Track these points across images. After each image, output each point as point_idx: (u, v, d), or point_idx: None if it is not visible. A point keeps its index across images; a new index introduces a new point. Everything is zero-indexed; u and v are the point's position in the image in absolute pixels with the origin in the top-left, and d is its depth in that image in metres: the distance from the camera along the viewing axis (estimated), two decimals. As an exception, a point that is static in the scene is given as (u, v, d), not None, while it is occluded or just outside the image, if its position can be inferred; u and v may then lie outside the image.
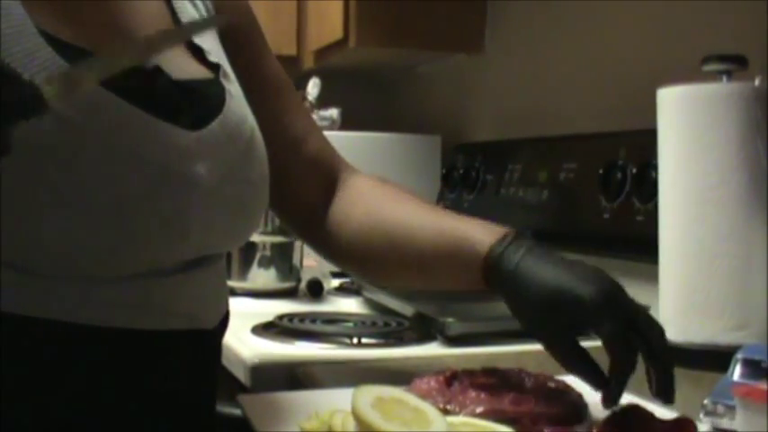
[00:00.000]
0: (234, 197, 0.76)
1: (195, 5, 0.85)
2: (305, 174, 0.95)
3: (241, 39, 0.92)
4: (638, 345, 0.76)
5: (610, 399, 0.74)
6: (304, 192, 0.94)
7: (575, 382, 0.81)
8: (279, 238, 1.52)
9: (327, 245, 0.95)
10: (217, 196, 0.73)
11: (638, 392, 0.83)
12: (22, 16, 0.65)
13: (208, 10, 0.87)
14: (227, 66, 0.83)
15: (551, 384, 0.80)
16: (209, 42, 0.83)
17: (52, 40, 0.66)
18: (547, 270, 0.79)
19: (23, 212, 0.62)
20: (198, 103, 0.75)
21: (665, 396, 0.74)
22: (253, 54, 0.89)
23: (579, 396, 0.79)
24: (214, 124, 0.74)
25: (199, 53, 0.81)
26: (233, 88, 0.81)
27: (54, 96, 0.53)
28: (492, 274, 0.81)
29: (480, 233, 0.83)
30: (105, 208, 0.64)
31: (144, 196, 0.67)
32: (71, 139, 0.63)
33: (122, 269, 0.68)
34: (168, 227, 0.69)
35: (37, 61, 0.64)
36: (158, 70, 0.73)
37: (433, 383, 0.80)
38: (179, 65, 0.77)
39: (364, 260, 0.93)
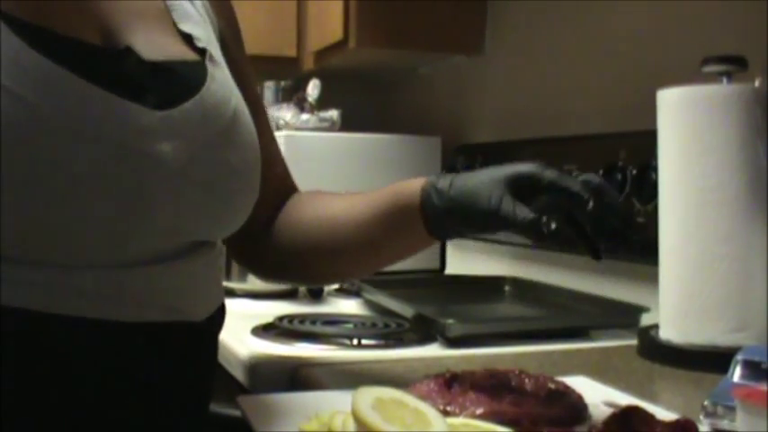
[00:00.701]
0: (207, 179, 0.74)
1: (194, 5, 0.85)
2: (268, 196, 0.92)
3: (226, 52, 0.91)
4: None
5: (594, 250, 0.81)
6: (261, 212, 0.90)
7: (574, 382, 0.81)
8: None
9: (267, 257, 0.97)
10: (185, 177, 0.71)
11: (639, 394, 0.83)
12: None
13: (206, 10, 0.87)
14: (216, 52, 0.83)
15: (551, 386, 0.80)
16: (205, 33, 0.83)
17: (8, 19, 0.65)
18: (479, 172, 0.86)
19: None
20: (173, 82, 0.74)
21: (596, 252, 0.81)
22: (235, 68, 0.88)
23: (579, 397, 0.79)
24: (188, 104, 0.73)
25: (188, 39, 0.80)
26: (218, 72, 0.80)
27: None
28: (431, 206, 0.84)
29: (409, 183, 0.88)
30: (61, 187, 0.63)
31: (100, 175, 0.65)
32: (26, 118, 0.62)
33: (88, 254, 0.67)
34: (127, 206, 0.67)
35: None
36: (128, 50, 0.73)
37: (432, 385, 0.80)
38: (162, 46, 0.76)
39: (315, 259, 0.94)
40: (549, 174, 0.79)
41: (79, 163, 0.64)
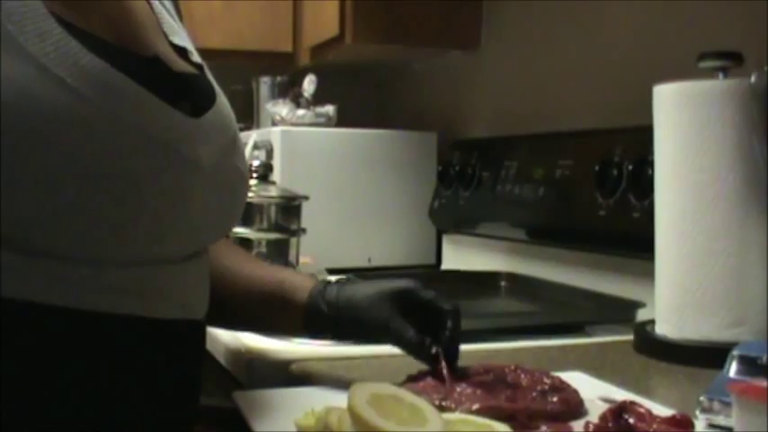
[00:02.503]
0: (226, 183, 0.79)
1: (163, 4, 0.86)
2: None
3: None
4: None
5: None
6: None
7: (570, 378, 0.81)
8: (275, 235, 1.52)
9: None
10: (213, 180, 0.75)
11: (635, 389, 0.83)
12: None
13: (178, 11, 0.89)
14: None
15: (547, 381, 0.80)
16: (191, 45, 0.85)
17: (62, 23, 0.67)
18: (364, 284, 0.91)
19: (38, 184, 0.62)
20: (196, 92, 0.78)
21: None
22: None
23: (575, 392, 0.79)
24: (210, 114, 0.77)
25: (182, 53, 0.82)
26: (216, 85, 0.84)
27: None
28: (314, 310, 0.91)
29: (298, 278, 0.95)
30: (116, 182, 0.66)
31: (152, 175, 0.68)
32: (86, 114, 0.64)
33: (131, 251, 0.69)
34: (173, 207, 0.71)
35: (50, 40, 0.65)
36: (158, 59, 0.76)
37: (428, 380, 0.80)
38: (170, 59, 0.79)
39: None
40: (426, 293, 0.89)
41: (133, 161, 0.67)
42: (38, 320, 0.65)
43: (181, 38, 0.84)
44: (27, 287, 0.64)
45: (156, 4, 0.84)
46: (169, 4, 0.87)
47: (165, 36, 0.82)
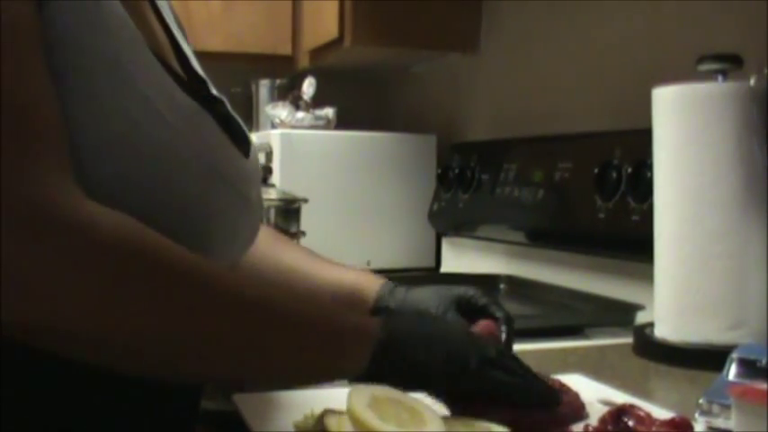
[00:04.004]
0: (259, 214, 0.83)
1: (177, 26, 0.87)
2: None
3: None
4: None
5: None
6: None
7: (570, 380, 0.81)
8: (274, 238, 1.52)
9: None
10: (256, 215, 0.80)
11: (634, 392, 0.83)
12: (135, 28, 0.68)
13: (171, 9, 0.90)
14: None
15: (548, 383, 0.80)
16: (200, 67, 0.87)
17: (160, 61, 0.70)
18: (429, 288, 0.93)
19: (132, 211, 0.63)
20: (244, 135, 0.81)
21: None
22: None
23: (576, 395, 0.79)
24: (252, 154, 0.80)
25: (203, 85, 0.84)
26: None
27: None
28: (383, 308, 0.92)
29: (367, 280, 0.96)
30: (193, 219, 0.67)
31: (221, 214, 0.71)
32: (178, 150, 0.66)
33: None
34: (230, 243, 0.74)
35: (153, 74, 0.67)
36: (219, 100, 0.80)
37: None
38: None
39: None
40: (481, 299, 0.91)
41: (212, 200, 0.69)
42: None
43: (199, 66, 0.86)
44: None
45: (175, 29, 0.85)
46: (171, 13, 0.88)
47: (189, 63, 0.84)
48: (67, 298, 0.55)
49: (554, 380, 0.81)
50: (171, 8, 0.88)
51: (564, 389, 0.79)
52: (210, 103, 0.76)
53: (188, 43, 0.88)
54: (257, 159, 0.85)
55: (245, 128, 0.84)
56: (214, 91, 0.84)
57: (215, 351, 0.63)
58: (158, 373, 0.65)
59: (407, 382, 0.70)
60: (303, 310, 0.69)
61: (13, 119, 0.56)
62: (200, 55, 0.87)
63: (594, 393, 0.82)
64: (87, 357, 0.60)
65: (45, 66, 0.59)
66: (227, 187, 0.71)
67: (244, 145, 0.79)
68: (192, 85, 0.76)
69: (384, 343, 0.70)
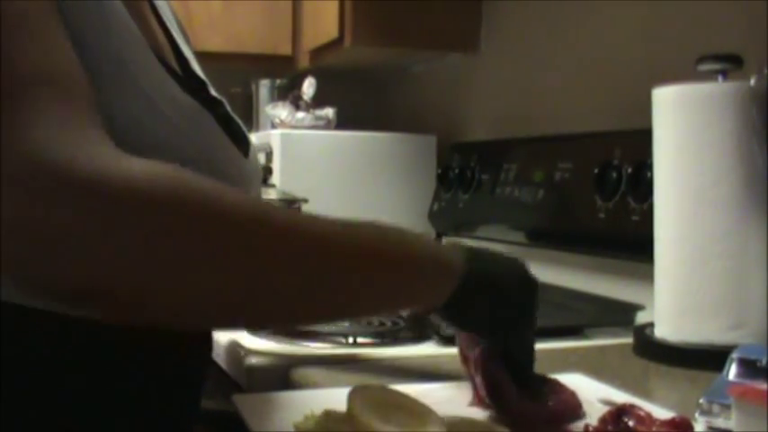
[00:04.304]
0: None
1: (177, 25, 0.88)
2: None
3: None
4: None
5: None
6: None
7: (570, 380, 0.81)
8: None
9: None
10: None
11: (634, 392, 0.83)
12: (137, 29, 0.68)
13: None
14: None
15: (545, 383, 0.80)
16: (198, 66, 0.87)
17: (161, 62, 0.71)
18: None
19: None
20: (243, 135, 0.82)
21: None
22: None
23: (572, 393, 0.79)
24: (251, 155, 0.81)
25: (203, 86, 0.84)
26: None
27: None
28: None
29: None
30: None
31: None
32: (180, 149, 0.66)
33: None
34: None
35: (155, 74, 0.67)
36: (219, 101, 0.80)
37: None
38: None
39: None
40: None
41: None
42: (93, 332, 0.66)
43: (199, 67, 0.86)
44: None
45: (175, 31, 0.85)
46: (172, 15, 0.88)
47: (189, 64, 0.84)
48: (135, 257, 0.53)
49: (551, 379, 0.81)
50: (172, 11, 0.89)
51: (560, 388, 0.79)
52: (210, 104, 0.76)
53: (189, 45, 0.88)
54: (257, 160, 0.85)
55: (244, 128, 0.84)
56: (213, 92, 0.84)
57: (291, 294, 0.61)
58: (228, 324, 0.63)
59: (477, 320, 0.72)
60: (380, 238, 0.67)
61: (52, 81, 0.55)
62: (201, 55, 0.87)
63: (595, 393, 0.82)
64: (160, 318, 0.58)
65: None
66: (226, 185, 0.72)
67: (243, 145, 0.79)
68: (192, 85, 0.77)
69: (470, 278, 0.70)
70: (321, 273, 0.62)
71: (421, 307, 0.72)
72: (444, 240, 1.99)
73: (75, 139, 0.53)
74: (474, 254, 0.73)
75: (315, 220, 0.63)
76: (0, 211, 0.50)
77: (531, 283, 0.77)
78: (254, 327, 0.68)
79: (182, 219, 0.54)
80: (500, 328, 0.75)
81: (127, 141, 0.61)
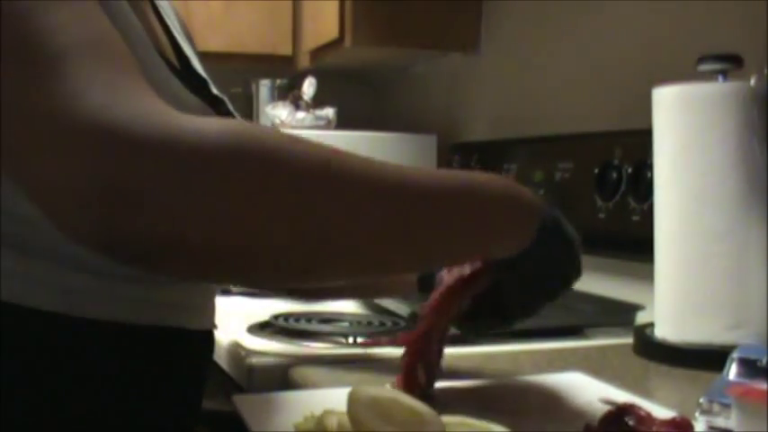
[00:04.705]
0: None
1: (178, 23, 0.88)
2: None
3: None
4: None
5: None
6: None
7: (570, 379, 0.81)
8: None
9: None
10: None
11: (635, 391, 0.83)
12: (141, 28, 0.68)
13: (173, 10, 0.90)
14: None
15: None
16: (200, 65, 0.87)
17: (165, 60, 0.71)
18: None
19: None
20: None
21: None
22: None
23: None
24: None
25: (204, 84, 0.84)
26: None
27: None
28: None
29: None
30: None
31: None
32: None
33: None
34: None
35: (159, 74, 0.68)
36: (221, 100, 0.80)
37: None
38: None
39: None
40: None
41: None
42: (97, 334, 0.68)
43: (201, 67, 0.86)
44: (94, 306, 0.67)
45: (176, 31, 0.85)
46: (174, 15, 0.88)
47: (190, 62, 0.84)
48: (190, 209, 0.52)
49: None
50: (175, 11, 0.89)
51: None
52: (212, 103, 0.76)
53: (192, 45, 0.88)
54: None
55: None
56: (215, 91, 0.84)
57: (372, 241, 0.60)
58: (309, 276, 0.62)
59: (547, 265, 0.73)
60: (462, 177, 0.67)
61: (98, 51, 0.55)
62: (201, 55, 0.87)
63: (595, 393, 0.82)
64: (223, 273, 0.58)
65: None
66: None
67: None
68: (193, 84, 0.76)
69: (547, 220, 0.70)
70: (403, 214, 0.61)
71: (506, 250, 0.71)
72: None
73: (131, 100, 0.53)
74: (549, 204, 0.73)
75: (393, 166, 0.62)
76: (71, 182, 0.50)
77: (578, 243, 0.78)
78: (328, 279, 0.67)
79: (251, 171, 0.53)
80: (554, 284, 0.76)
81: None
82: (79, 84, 0.52)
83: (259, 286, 0.65)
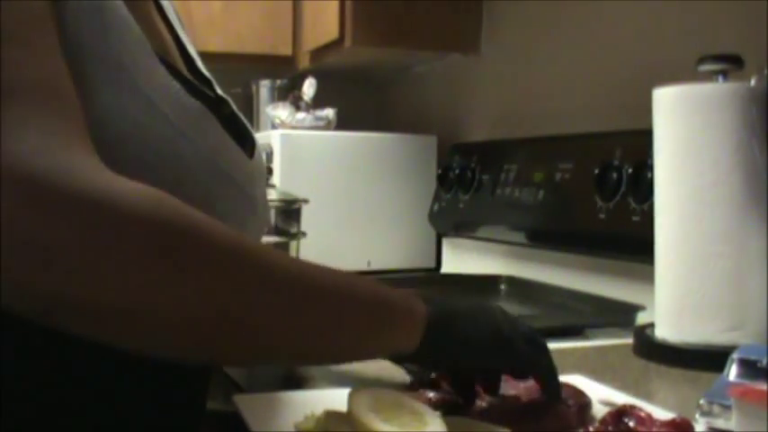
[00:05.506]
0: (265, 215, 0.84)
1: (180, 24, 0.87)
2: None
3: None
4: None
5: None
6: None
7: (570, 381, 0.81)
8: (274, 238, 1.52)
9: None
10: (261, 216, 0.80)
11: (635, 392, 0.83)
12: (139, 31, 0.68)
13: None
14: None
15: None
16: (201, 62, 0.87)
17: (165, 64, 0.70)
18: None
19: None
20: (248, 135, 0.82)
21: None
22: None
23: (582, 393, 0.79)
24: (256, 153, 0.81)
25: (207, 83, 0.84)
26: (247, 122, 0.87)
27: None
28: None
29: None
30: None
31: (230, 216, 0.70)
32: (185, 152, 0.66)
33: None
34: None
35: (157, 78, 0.67)
36: (224, 100, 0.80)
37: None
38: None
39: None
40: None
41: (219, 201, 0.70)
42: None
43: (204, 66, 0.86)
44: None
45: (180, 30, 0.85)
46: (176, 17, 0.88)
47: (194, 63, 0.84)
48: (97, 270, 0.51)
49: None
50: (175, 10, 0.89)
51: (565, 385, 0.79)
52: (216, 103, 0.76)
53: (192, 45, 0.88)
54: (262, 159, 0.85)
55: (249, 127, 0.84)
56: (219, 90, 0.84)
57: (265, 329, 0.60)
58: (199, 356, 0.61)
59: (455, 357, 0.71)
60: (351, 282, 0.66)
61: (40, 95, 0.55)
62: (201, 55, 0.87)
63: (595, 394, 0.82)
64: (120, 339, 0.57)
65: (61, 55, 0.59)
66: (233, 188, 0.72)
67: (248, 145, 0.79)
68: (197, 86, 0.76)
69: (434, 318, 0.69)
70: (295, 310, 0.61)
71: (392, 353, 0.71)
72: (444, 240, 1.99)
73: (63, 150, 0.53)
74: (430, 298, 0.72)
75: (291, 260, 0.65)
76: None
77: (488, 308, 0.76)
78: (213, 359, 0.68)
79: (162, 240, 0.54)
80: (477, 360, 0.74)
81: (127, 145, 0.61)
82: (13, 125, 0.52)
83: (162, 356, 0.65)
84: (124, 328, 0.56)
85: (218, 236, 0.58)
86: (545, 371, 0.75)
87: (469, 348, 0.71)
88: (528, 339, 0.75)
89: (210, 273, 0.56)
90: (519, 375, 0.76)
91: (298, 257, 0.65)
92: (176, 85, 0.68)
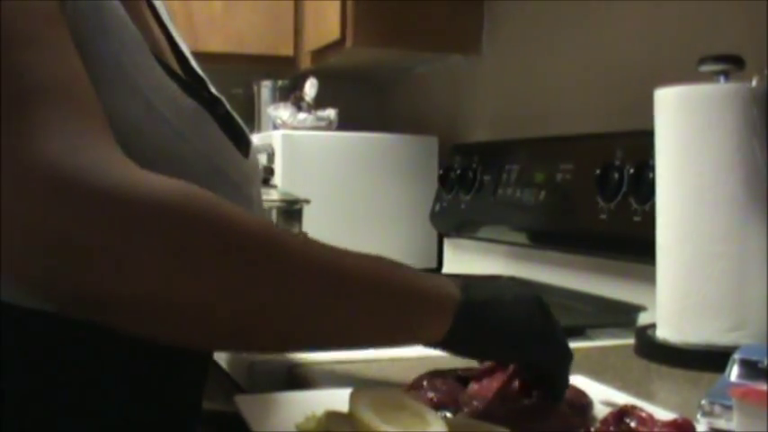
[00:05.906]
0: (260, 213, 0.85)
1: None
2: None
3: None
4: None
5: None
6: None
7: (571, 381, 0.81)
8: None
9: None
10: (257, 215, 0.79)
11: (637, 393, 0.83)
12: (137, 32, 0.68)
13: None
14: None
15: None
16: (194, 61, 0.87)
17: (162, 64, 0.70)
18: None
19: None
20: (243, 134, 0.82)
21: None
22: None
23: (580, 393, 0.79)
24: (251, 153, 0.81)
25: (201, 83, 0.84)
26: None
27: None
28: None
29: None
30: None
31: None
32: (183, 152, 0.67)
33: None
34: None
35: (154, 78, 0.67)
36: (218, 100, 0.80)
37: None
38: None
39: None
40: None
41: None
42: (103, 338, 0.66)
43: (205, 66, 0.87)
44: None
45: (173, 29, 0.85)
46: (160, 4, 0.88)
47: (188, 62, 0.84)
48: (136, 266, 0.52)
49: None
50: (166, 8, 0.89)
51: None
52: (211, 104, 0.76)
53: (185, 44, 0.88)
54: (257, 159, 0.85)
55: (244, 127, 0.84)
56: (213, 90, 0.84)
57: (300, 318, 0.60)
58: (229, 344, 0.63)
59: (482, 347, 0.70)
60: (383, 270, 0.66)
61: (64, 95, 0.55)
62: (202, 55, 0.87)
63: (596, 394, 0.82)
64: (159, 331, 0.58)
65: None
66: (230, 187, 0.72)
67: (243, 145, 0.79)
68: (192, 84, 0.77)
69: (466, 307, 0.68)
70: (330, 298, 0.61)
71: (422, 341, 0.71)
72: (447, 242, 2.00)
73: (91, 149, 0.54)
74: (469, 285, 0.72)
75: (324, 247, 0.63)
76: (21, 222, 0.50)
77: (529, 299, 0.75)
78: (249, 349, 0.68)
79: (192, 233, 0.55)
80: (507, 350, 0.73)
81: (125, 145, 0.61)
82: (42, 126, 0.52)
83: (200, 347, 0.65)
84: (169, 321, 0.56)
85: (253, 226, 0.58)
86: (561, 375, 0.74)
87: (499, 339, 0.71)
88: (557, 338, 0.74)
89: (247, 262, 0.57)
90: (533, 371, 0.75)
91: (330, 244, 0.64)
92: (173, 84, 0.69)
